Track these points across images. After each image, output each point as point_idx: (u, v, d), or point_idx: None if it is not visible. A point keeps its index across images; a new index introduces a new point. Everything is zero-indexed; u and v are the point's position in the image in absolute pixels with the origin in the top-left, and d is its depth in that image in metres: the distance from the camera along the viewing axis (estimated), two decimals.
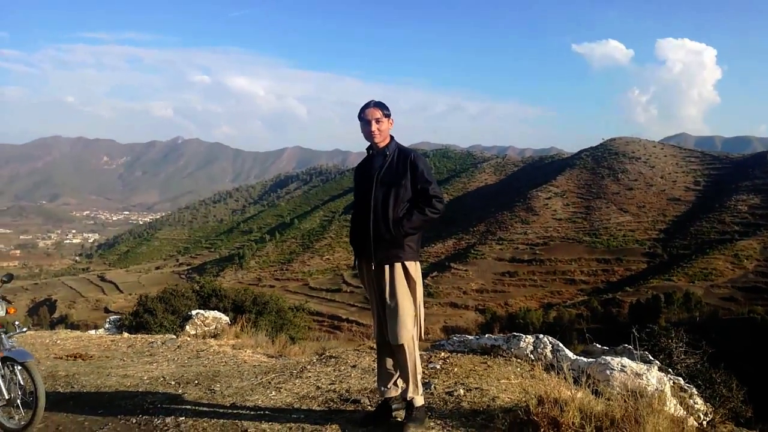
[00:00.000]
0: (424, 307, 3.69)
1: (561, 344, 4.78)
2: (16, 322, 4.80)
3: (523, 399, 3.64)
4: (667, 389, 4.09)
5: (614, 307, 69.36)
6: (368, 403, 4.06)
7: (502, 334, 5.14)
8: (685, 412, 3.97)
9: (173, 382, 5.24)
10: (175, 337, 7.90)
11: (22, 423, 4.11)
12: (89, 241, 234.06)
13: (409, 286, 3.52)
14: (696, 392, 4.40)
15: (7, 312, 4.50)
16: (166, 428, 3.91)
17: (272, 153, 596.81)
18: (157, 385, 5.20)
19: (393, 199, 3.51)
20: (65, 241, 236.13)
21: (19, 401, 4.17)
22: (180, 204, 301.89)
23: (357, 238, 3.65)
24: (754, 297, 69.21)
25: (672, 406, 3.82)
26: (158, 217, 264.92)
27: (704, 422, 4.20)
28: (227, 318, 10.14)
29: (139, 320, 11.00)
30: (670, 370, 4.54)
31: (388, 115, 3.65)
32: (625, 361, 4.33)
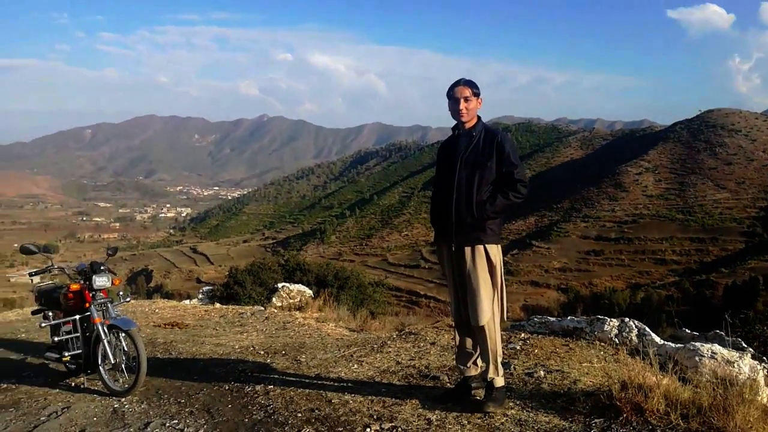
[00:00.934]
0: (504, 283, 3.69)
1: (647, 328, 4.63)
2: (120, 293, 5.20)
3: (606, 383, 3.58)
4: (761, 378, 3.89)
5: (708, 289, 65.59)
6: (447, 381, 4.12)
7: (585, 317, 5.04)
8: None
9: (262, 352, 5.52)
10: (263, 308, 8.29)
11: (126, 386, 4.46)
12: (182, 215, 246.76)
13: (489, 269, 3.51)
14: None
15: (112, 283, 4.85)
16: (255, 396, 4.14)
17: (353, 129, 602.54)
18: (248, 354, 5.50)
19: (477, 181, 3.48)
20: (160, 215, 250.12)
21: (123, 366, 4.53)
22: (265, 180, 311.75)
23: (438, 219, 3.65)
24: None
25: (765, 396, 3.64)
26: (245, 192, 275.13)
27: None
28: (310, 291, 10.52)
29: (229, 291, 11.60)
30: (765, 358, 4.30)
31: (477, 94, 3.61)
32: (716, 347, 4.15)
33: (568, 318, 5.08)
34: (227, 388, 4.40)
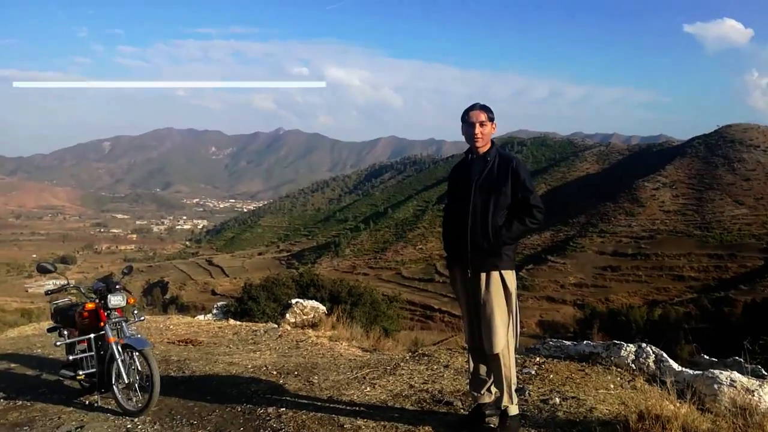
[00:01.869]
0: (519, 301, 3.65)
1: (665, 354, 4.56)
2: (135, 311, 5.23)
3: (623, 412, 3.52)
4: None
5: (726, 306, 64.55)
6: (461, 406, 4.08)
7: (601, 341, 4.98)
8: None
9: (275, 372, 5.51)
10: (276, 326, 8.29)
11: (140, 406, 4.48)
12: (198, 227, 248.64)
13: (505, 295, 3.48)
14: None
15: (127, 302, 4.89)
16: (268, 418, 4.13)
17: (367, 143, 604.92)
18: (260, 374, 5.50)
19: (493, 207, 3.46)
20: (177, 227, 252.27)
21: (137, 385, 4.56)
22: (281, 192, 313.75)
23: (453, 243, 3.63)
24: None
25: None
26: (261, 205, 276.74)
27: None
28: (324, 308, 10.50)
29: (243, 307, 11.64)
30: None
31: (492, 119, 3.61)
32: (735, 375, 4.07)
33: (584, 342, 5.02)
34: (240, 409, 4.40)
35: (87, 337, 4.81)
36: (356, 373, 5.17)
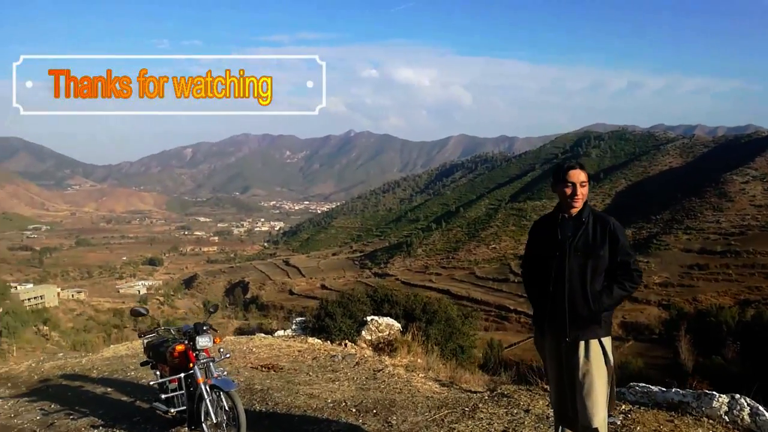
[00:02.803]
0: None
1: (761, 407, 4.29)
2: (220, 349, 5.46)
3: None
4: None
5: None
6: None
7: (691, 390, 4.74)
8: None
9: (354, 410, 5.61)
10: (354, 352, 8.43)
11: None
12: (275, 228, 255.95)
13: (605, 364, 3.32)
14: None
15: (213, 342, 5.13)
16: None
17: (437, 142, 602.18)
18: (340, 411, 5.60)
19: (591, 271, 3.31)
20: (255, 229, 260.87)
21: (224, 425, 4.77)
22: (353, 194, 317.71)
23: (546, 310, 3.45)
24: None
25: None
26: (334, 206, 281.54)
27: None
28: (399, 325, 10.58)
29: (320, 323, 11.88)
30: None
31: (590, 179, 3.51)
32: None
33: (673, 390, 4.79)
34: None
35: (178, 376, 5.08)
36: (434, 414, 5.18)
